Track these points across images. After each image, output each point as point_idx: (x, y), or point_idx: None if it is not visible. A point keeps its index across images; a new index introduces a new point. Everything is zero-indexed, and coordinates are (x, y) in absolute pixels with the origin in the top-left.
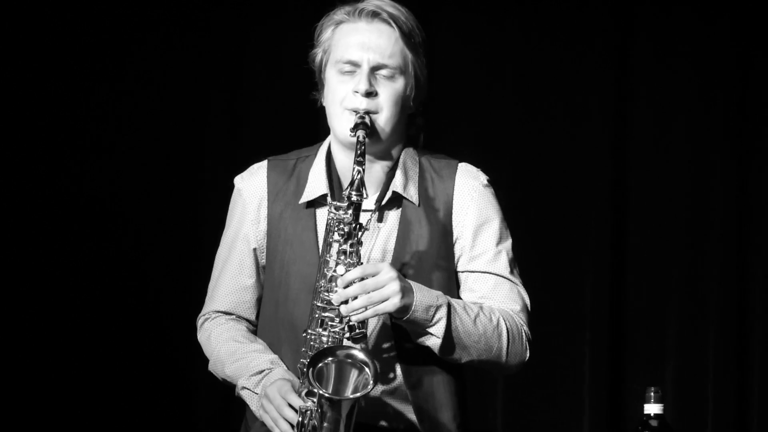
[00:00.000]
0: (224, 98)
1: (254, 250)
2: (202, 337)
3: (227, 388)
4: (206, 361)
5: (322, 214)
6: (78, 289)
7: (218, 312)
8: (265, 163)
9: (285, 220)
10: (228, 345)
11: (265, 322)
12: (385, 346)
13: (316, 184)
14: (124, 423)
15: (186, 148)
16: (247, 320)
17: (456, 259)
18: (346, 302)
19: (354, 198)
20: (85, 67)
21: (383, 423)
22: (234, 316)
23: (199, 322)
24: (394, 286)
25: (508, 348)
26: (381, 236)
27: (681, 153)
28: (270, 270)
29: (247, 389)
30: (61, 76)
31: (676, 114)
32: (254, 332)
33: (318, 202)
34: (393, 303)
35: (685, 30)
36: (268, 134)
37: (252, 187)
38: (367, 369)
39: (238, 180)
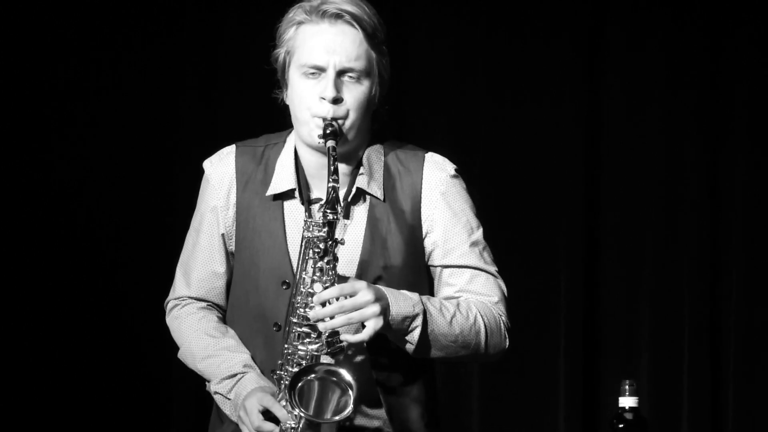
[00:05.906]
0: (198, 85)
1: (223, 235)
2: (172, 323)
3: (199, 384)
4: (175, 350)
5: (289, 207)
6: (46, 278)
7: (189, 298)
8: (233, 148)
9: (254, 208)
10: (201, 339)
11: (235, 310)
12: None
13: (283, 177)
14: (93, 417)
15: (159, 132)
16: (218, 306)
17: (428, 254)
18: (323, 320)
19: (330, 216)
20: (57, 54)
21: (352, 419)
22: (205, 303)
23: (168, 306)
24: (374, 308)
25: (486, 342)
26: (349, 233)
27: (653, 142)
28: (239, 258)
29: (220, 394)
30: (35, 61)
31: (649, 101)
32: (224, 317)
33: (285, 194)
34: (372, 327)
35: (657, 19)
36: (242, 118)
37: (220, 172)
38: (349, 390)
39: (207, 165)
